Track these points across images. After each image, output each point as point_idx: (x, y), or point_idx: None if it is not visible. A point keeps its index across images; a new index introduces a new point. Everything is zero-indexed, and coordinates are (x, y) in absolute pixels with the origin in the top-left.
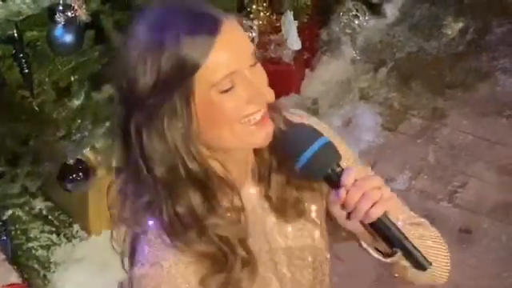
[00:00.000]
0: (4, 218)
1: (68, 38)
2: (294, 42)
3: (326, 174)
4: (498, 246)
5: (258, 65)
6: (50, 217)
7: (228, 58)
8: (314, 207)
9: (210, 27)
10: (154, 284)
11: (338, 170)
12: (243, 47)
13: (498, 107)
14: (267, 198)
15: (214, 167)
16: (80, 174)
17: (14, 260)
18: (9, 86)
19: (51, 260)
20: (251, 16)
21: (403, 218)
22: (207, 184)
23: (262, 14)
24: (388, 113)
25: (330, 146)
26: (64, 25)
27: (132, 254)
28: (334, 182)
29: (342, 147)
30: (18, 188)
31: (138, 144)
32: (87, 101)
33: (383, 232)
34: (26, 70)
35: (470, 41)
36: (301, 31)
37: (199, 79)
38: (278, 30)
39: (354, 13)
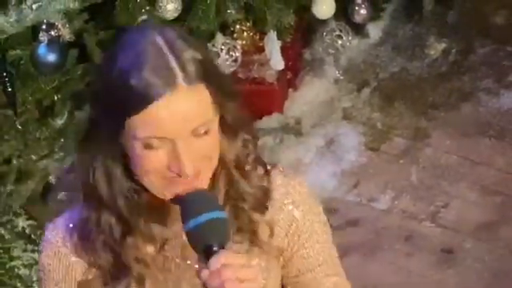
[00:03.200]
0: None
1: (51, 57)
2: (277, 62)
3: (204, 250)
4: (481, 266)
5: (208, 136)
6: (32, 236)
7: (162, 124)
8: None
9: (158, 86)
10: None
11: (215, 249)
12: (185, 119)
13: (480, 127)
14: None
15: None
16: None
17: None
18: None
19: (34, 279)
20: (234, 36)
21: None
22: (129, 218)
23: (245, 33)
24: (371, 133)
25: (218, 223)
26: (47, 44)
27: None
28: (207, 260)
29: (317, 226)
30: (1, 207)
31: None
32: (70, 120)
33: None
34: (10, 89)
35: (452, 61)
36: (284, 51)
37: (128, 125)
38: (261, 49)
39: (337, 33)
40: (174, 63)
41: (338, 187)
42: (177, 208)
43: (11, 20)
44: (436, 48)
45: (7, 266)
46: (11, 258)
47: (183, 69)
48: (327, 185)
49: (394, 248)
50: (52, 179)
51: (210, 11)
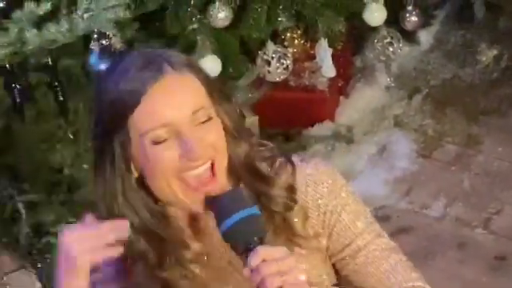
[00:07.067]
0: (40, 246)
1: (103, 66)
2: (329, 70)
3: (243, 248)
4: None
5: (210, 123)
6: None
7: (160, 111)
8: None
9: (147, 77)
10: None
11: (252, 246)
12: (182, 103)
13: None
14: None
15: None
16: None
17: None
18: (44, 113)
19: None
20: (285, 43)
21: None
22: (152, 234)
23: (296, 41)
24: (423, 140)
25: (251, 220)
26: (99, 53)
27: None
28: (247, 257)
29: (345, 197)
30: (54, 216)
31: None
32: None
33: None
34: (61, 98)
35: (504, 67)
36: (335, 58)
37: (132, 126)
38: (312, 57)
39: (388, 40)
40: (158, 58)
41: (390, 195)
42: (207, 220)
43: (62, 29)
44: (487, 54)
45: None
46: None
47: (168, 60)
48: (379, 192)
49: (446, 255)
50: None
51: (260, 19)
